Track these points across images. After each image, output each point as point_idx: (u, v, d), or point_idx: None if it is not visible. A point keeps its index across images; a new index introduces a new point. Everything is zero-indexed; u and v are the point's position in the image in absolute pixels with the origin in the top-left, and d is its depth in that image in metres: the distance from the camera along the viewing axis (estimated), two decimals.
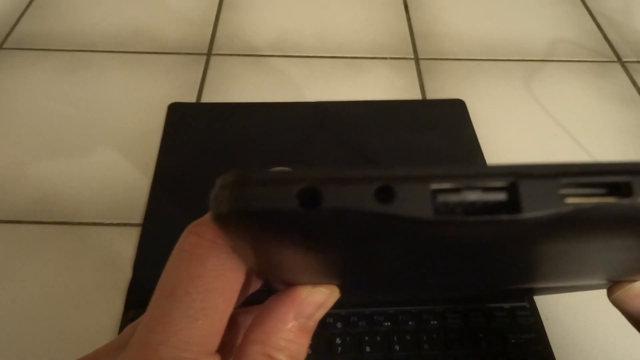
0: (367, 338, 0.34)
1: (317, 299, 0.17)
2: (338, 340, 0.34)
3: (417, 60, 0.56)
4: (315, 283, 0.17)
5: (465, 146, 0.48)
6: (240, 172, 0.10)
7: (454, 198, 0.10)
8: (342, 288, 0.18)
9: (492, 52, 0.58)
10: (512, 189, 0.10)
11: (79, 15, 0.59)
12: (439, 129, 0.49)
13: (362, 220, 0.10)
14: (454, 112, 0.51)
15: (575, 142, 0.49)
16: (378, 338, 0.34)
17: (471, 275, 0.19)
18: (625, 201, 0.09)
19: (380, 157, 0.46)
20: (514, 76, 0.55)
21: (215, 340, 0.15)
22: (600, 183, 0.10)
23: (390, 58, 0.56)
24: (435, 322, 0.35)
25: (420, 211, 0.09)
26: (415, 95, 0.53)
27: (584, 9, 0.64)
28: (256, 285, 0.20)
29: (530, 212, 0.09)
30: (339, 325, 0.35)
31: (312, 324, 0.17)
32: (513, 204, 0.10)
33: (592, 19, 0.63)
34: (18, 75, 0.52)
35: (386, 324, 0.35)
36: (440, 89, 0.53)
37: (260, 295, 0.18)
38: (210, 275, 0.15)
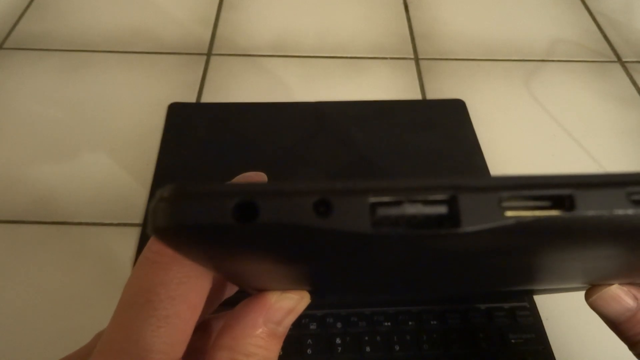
0: (367, 338, 0.34)
1: (286, 304, 0.17)
2: (338, 340, 0.34)
3: (417, 60, 0.56)
4: (285, 288, 0.17)
5: (465, 146, 0.48)
6: (178, 185, 0.10)
7: (393, 211, 0.10)
8: (313, 293, 0.18)
9: (492, 52, 0.58)
10: (452, 202, 0.10)
11: (79, 15, 0.59)
12: (439, 129, 0.49)
13: (300, 233, 0.10)
14: (454, 112, 0.51)
15: (575, 142, 0.49)
16: (378, 338, 0.34)
17: (433, 281, 0.19)
18: (567, 214, 0.09)
19: (380, 157, 0.46)
20: (514, 76, 0.55)
21: (179, 348, 0.15)
22: (543, 196, 0.10)
23: (390, 58, 0.56)
24: (435, 322, 0.35)
25: (358, 225, 0.09)
26: (415, 95, 0.53)
27: (584, 9, 0.64)
28: (232, 290, 0.20)
29: (469, 226, 0.09)
30: (339, 325, 0.35)
31: (282, 329, 0.17)
32: (453, 218, 0.09)
33: (592, 19, 0.63)
34: (18, 76, 0.52)
35: (386, 324, 0.35)
36: (440, 89, 0.53)
37: (239, 298, 0.18)
38: (173, 282, 0.15)
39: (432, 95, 0.53)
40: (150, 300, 0.14)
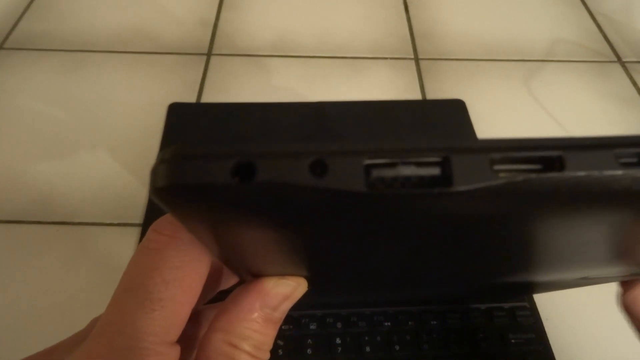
0: (367, 338, 0.34)
1: (283, 290, 0.17)
2: (338, 340, 0.34)
3: (417, 60, 0.56)
4: (282, 274, 0.17)
5: None
6: (179, 146, 0.10)
7: (388, 173, 0.10)
8: (310, 280, 0.18)
9: (492, 52, 0.58)
10: (445, 164, 0.10)
11: (79, 15, 0.59)
12: (439, 129, 0.49)
13: (296, 193, 0.10)
14: (454, 112, 0.51)
15: None
16: (378, 338, 0.34)
17: (430, 269, 0.19)
18: (557, 174, 0.10)
19: None
20: (514, 76, 0.55)
21: (174, 331, 0.15)
22: (533, 158, 0.10)
23: (390, 58, 0.56)
24: (435, 322, 0.35)
25: (353, 185, 0.10)
26: (415, 95, 0.53)
27: (584, 9, 0.64)
28: (228, 282, 0.20)
29: (462, 186, 0.10)
30: (339, 325, 0.35)
31: (278, 315, 0.17)
32: (445, 178, 0.10)
33: (592, 19, 0.63)
34: (18, 75, 0.52)
35: (386, 324, 0.35)
36: (440, 89, 0.53)
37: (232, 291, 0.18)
38: (167, 267, 0.15)
39: (432, 95, 0.53)
40: (145, 284, 0.15)
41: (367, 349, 0.34)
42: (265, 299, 0.16)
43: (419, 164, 0.10)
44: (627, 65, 0.57)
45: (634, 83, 0.55)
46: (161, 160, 0.10)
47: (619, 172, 0.10)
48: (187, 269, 0.15)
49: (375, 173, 0.10)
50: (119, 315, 0.15)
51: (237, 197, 0.10)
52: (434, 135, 0.46)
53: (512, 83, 0.54)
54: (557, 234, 0.13)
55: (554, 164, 0.10)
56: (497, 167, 0.10)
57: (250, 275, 0.17)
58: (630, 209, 0.11)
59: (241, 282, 0.18)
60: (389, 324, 0.35)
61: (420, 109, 0.51)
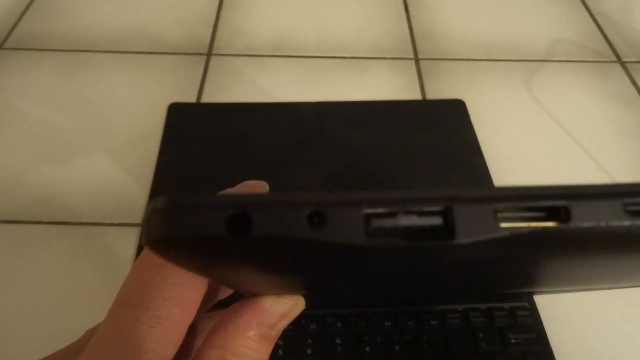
0: (367, 338, 0.34)
1: (280, 309, 0.17)
2: (338, 340, 0.34)
3: (417, 60, 0.56)
4: (280, 293, 0.17)
5: (465, 146, 0.48)
6: (171, 196, 0.10)
7: (388, 223, 0.10)
8: (307, 298, 0.18)
9: (492, 52, 0.58)
10: (447, 214, 0.09)
11: (79, 15, 0.59)
12: (439, 129, 0.49)
13: (294, 245, 0.10)
14: (454, 112, 0.51)
15: (575, 142, 0.49)
16: (378, 338, 0.34)
17: (430, 288, 0.19)
18: (563, 225, 0.09)
19: (380, 157, 0.46)
20: (514, 76, 0.55)
21: (170, 348, 0.15)
22: (538, 207, 0.09)
23: (390, 58, 0.56)
24: (435, 322, 0.35)
25: (353, 237, 0.09)
26: (415, 95, 0.53)
27: (584, 9, 0.64)
28: (225, 292, 0.20)
29: (465, 238, 0.09)
30: (339, 325, 0.35)
31: (274, 333, 0.17)
32: (448, 229, 0.09)
33: (592, 19, 0.63)
34: (18, 75, 0.52)
35: (386, 324, 0.35)
36: (440, 89, 0.53)
37: (232, 301, 0.18)
38: (167, 284, 0.15)
39: (432, 95, 0.53)
40: (143, 301, 0.15)
41: (367, 349, 0.34)
42: (262, 317, 0.16)
43: (421, 214, 0.10)
44: (627, 65, 0.57)
45: (634, 83, 0.55)
46: (154, 210, 0.10)
47: (626, 222, 0.09)
48: (186, 286, 0.15)
49: (375, 223, 0.09)
50: (116, 331, 0.15)
51: (233, 249, 0.10)
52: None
53: (512, 83, 0.54)
54: (559, 270, 0.13)
55: (559, 213, 0.09)
56: (500, 215, 0.09)
57: (247, 293, 0.17)
58: (636, 255, 0.10)
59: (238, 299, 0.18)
60: (389, 324, 0.35)
61: (420, 109, 0.51)
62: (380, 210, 0.10)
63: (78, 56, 0.54)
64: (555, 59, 0.57)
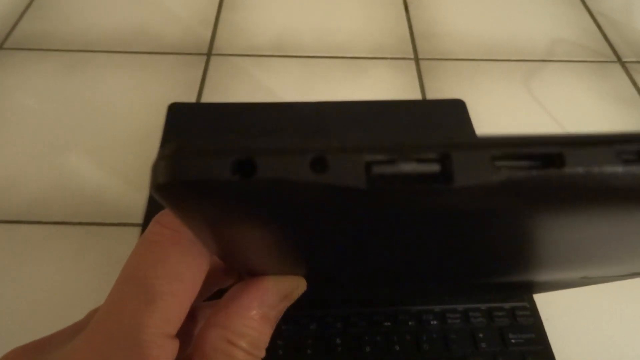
0: (367, 338, 0.34)
1: (282, 289, 0.17)
2: (338, 340, 0.34)
3: (417, 60, 0.56)
4: (281, 274, 0.17)
5: None
6: (179, 143, 0.10)
7: (388, 169, 0.10)
8: (309, 280, 0.18)
9: (492, 52, 0.58)
10: (445, 160, 0.10)
11: (79, 15, 0.59)
12: (439, 129, 0.49)
13: (297, 190, 0.10)
14: (454, 112, 0.51)
15: None
16: (378, 338, 0.34)
17: (430, 266, 0.19)
18: (557, 171, 0.10)
19: None
20: (514, 76, 0.55)
21: (173, 325, 0.15)
22: (533, 154, 0.10)
23: (390, 58, 0.56)
24: (435, 322, 0.35)
25: (354, 181, 0.10)
26: (415, 95, 0.53)
27: (584, 9, 0.64)
28: (226, 281, 0.20)
29: (462, 182, 0.10)
30: (338, 325, 0.35)
31: (276, 314, 0.17)
32: (446, 174, 0.10)
33: (592, 19, 0.63)
34: (18, 75, 0.52)
35: (386, 324, 0.35)
36: (440, 89, 0.53)
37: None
38: (170, 261, 0.15)
39: (432, 95, 0.53)
40: (147, 277, 0.15)
41: (367, 349, 0.34)
42: (264, 297, 0.16)
43: (420, 161, 0.10)
44: (627, 65, 0.57)
45: (634, 83, 0.55)
46: (161, 157, 0.10)
47: (619, 169, 0.09)
48: (189, 264, 0.15)
49: (376, 169, 0.10)
50: (119, 307, 0.15)
51: (238, 194, 0.10)
52: (435, 134, 0.46)
53: (512, 83, 0.54)
54: (557, 232, 0.13)
55: (554, 160, 0.10)
56: (497, 163, 0.10)
57: (249, 274, 0.17)
58: (631, 206, 0.11)
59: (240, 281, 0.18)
60: (389, 324, 0.35)
61: (420, 109, 0.51)
62: (380, 157, 0.10)
63: (78, 56, 0.54)
64: (555, 59, 0.57)
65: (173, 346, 0.15)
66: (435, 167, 0.10)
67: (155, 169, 0.10)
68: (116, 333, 0.14)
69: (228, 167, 0.10)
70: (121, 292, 0.15)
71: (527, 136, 0.10)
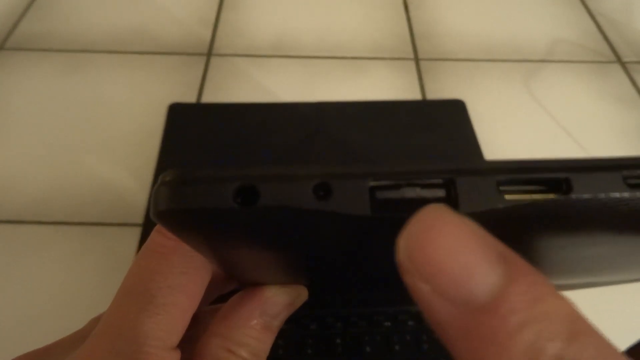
0: (367, 338, 0.34)
1: (283, 299, 0.17)
2: (338, 340, 0.34)
3: (417, 60, 0.56)
4: (283, 283, 0.17)
5: (465, 146, 0.48)
6: (180, 170, 0.10)
7: (392, 195, 0.10)
8: (311, 289, 0.18)
9: (492, 52, 0.58)
10: (450, 186, 0.10)
11: (80, 15, 0.59)
12: (439, 129, 0.49)
13: (300, 217, 0.10)
14: (454, 112, 0.51)
15: (575, 143, 0.49)
16: (378, 338, 0.34)
17: None
18: (564, 197, 0.09)
19: (380, 157, 0.46)
20: (514, 76, 0.55)
21: (175, 337, 0.15)
22: (540, 179, 0.10)
23: (390, 58, 0.56)
24: None
25: (358, 208, 0.09)
26: (415, 95, 0.53)
27: (584, 9, 0.64)
28: (229, 285, 0.20)
29: (467, 208, 0.09)
30: (338, 325, 0.35)
31: (277, 323, 0.17)
32: (451, 201, 0.10)
33: (592, 19, 0.63)
34: (18, 76, 0.52)
35: (386, 324, 0.35)
36: (440, 89, 0.53)
37: (231, 295, 0.18)
38: (172, 272, 0.15)
39: (432, 95, 0.53)
40: (149, 288, 0.15)
41: (367, 349, 0.34)
42: (265, 307, 0.16)
43: (424, 186, 0.10)
44: (627, 65, 0.57)
45: (634, 83, 0.55)
46: (163, 183, 0.10)
47: (626, 194, 0.09)
48: (191, 275, 0.15)
49: (380, 195, 0.10)
50: (121, 318, 0.15)
51: (240, 221, 0.10)
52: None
53: (512, 83, 0.54)
54: (561, 251, 0.13)
55: (560, 185, 0.09)
56: (502, 188, 0.10)
57: (250, 284, 0.17)
58: (637, 229, 0.10)
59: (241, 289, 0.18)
60: (389, 324, 0.35)
61: (420, 109, 0.51)
62: (384, 182, 0.10)
63: (78, 56, 0.54)
64: (555, 59, 0.57)
65: (175, 358, 0.15)
66: (439, 193, 0.10)
67: (156, 195, 0.10)
68: (118, 345, 0.14)
69: (230, 195, 0.10)
70: (123, 303, 0.15)
71: (534, 161, 0.10)
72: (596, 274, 0.18)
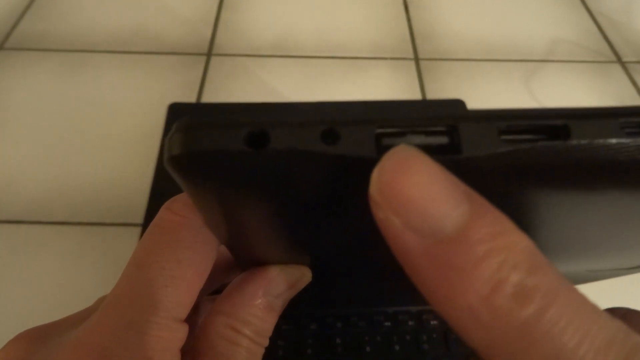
0: (367, 338, 0.34)
1: (287, 278, 0.17)
2: (338, 340, 0.34)
3: (417, 60, 0.56)
4: (286, 263, 0.17)
5: None
6: (193, 116, 0.10)
7: (397, 142, 0.10)
8: (314, 271, 0.18)
9: (492, 52, 0.58)
10: (453, 132, 0.10)
11: (80, 15, 0.59)
12: None
13: (308, 161, 0.10)
14: None
15: None
16: (378, 338, 0.34)
17: None
18: (563, 142, 0.10)
19: None
20: (513, 76, 0.55)
21: (183, 310, 0.15)
22: (539, 126, 0.10)
23: (390, 58, 0.56)
24: (435, 322, 0.35)
25: (364, 151, 0.10)
26: (415, 95, 0.53)
27: (584, 9, 0.64)
28: (230, 276, 0.20)
29: (469, 152, 0.10)
30: (339, 325, 0.35)
31: (280, 303, 0.17)
32: (454, 146, 0.10)
33: (592, 19, 0.63)
34: (18, 76, 0.52)
35: (386, 324, 0.35)
36: (440, 89, 0.53)
37: None
38: (180, 246, 0.15)
39: (432, 95, 0.53)
40: (158, 261, 0.15)
41: (367, 349, 0.34)
42: (269, 286, 0.17)
43: (428, 133, 0.10)
44: (627, 65, 0.57)
45: (634, 83, 0.55)
46: (177, 129, 0.10)
47: (624, 140, 0.10)
48: (199, 250, 0.15)
49: (385, 141, 0.10)
50: (130, 289, 0.15)
51: (251, 165, 0.10)
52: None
53: (512, 83, 0.54)
54: (562, 213, 0.13)
55: (559, 132, 0.10)
56: (503, 136, 0.10)
57: (255, 264, 0.17)
58: (636, 181, 0.11)
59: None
60: (389, 324, 0.35)
61: (420, 109, 0.51)
62: (390, 130, 0.10)
63: (78, 56, 0.54)
64: (555, 59, 0.57)
65: (183, 330, 0.15)
66: (443, 139, 0.10)
67: (170, 141, 0.10)
68: (127, 315, 0.15)
69: (241, 139, 0.10)
70: (132, 275, 0.15)
71: (533, 109, 0.10)
72: (596, 254, 0.18)
